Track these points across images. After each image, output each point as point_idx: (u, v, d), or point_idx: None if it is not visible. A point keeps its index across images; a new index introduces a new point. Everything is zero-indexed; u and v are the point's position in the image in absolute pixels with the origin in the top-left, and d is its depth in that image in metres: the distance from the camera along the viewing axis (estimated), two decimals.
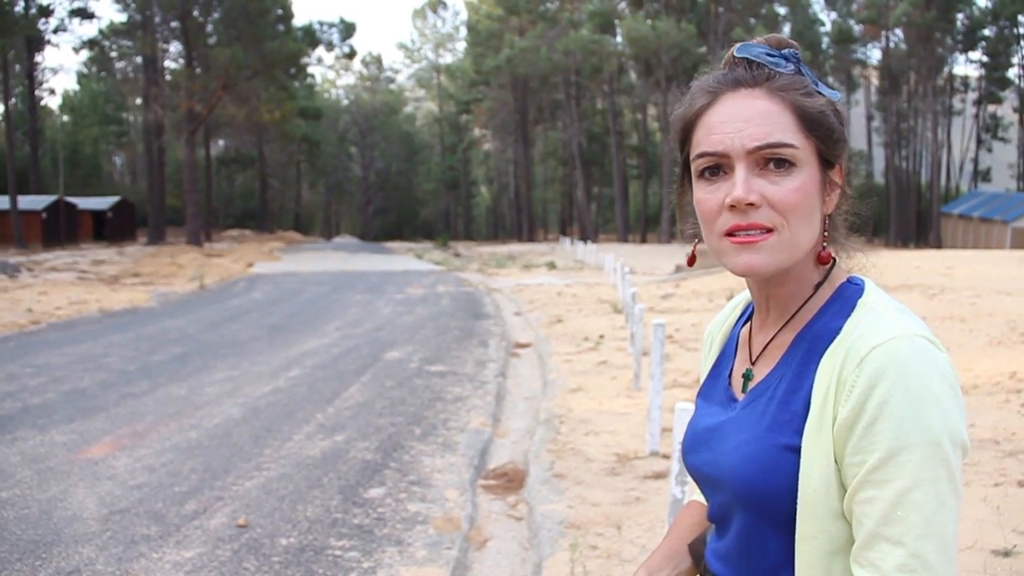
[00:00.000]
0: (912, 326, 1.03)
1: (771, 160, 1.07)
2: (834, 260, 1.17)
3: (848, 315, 1.09)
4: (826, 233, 1.14)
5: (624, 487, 5.36)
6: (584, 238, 48.12)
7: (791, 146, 1.06)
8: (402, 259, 36.38)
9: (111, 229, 47.71)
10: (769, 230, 1.06)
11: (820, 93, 1.11)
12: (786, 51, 1.12)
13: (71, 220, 44.43)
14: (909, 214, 57.36)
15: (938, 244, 49.44)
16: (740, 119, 1.08)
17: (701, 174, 1.11)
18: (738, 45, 1.13)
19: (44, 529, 4.77)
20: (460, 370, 9.86)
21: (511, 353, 11.26)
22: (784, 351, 1.14)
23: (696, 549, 1.31)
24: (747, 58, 1.12)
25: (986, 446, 5.77)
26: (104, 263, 29.35)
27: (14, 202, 37.68)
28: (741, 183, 1.06)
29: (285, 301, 17.86)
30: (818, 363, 1.07)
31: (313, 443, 6.62)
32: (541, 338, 12.26)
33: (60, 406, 7.84)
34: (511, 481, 5.79)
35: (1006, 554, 3.93)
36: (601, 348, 11.03)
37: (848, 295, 1.12)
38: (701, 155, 1.10)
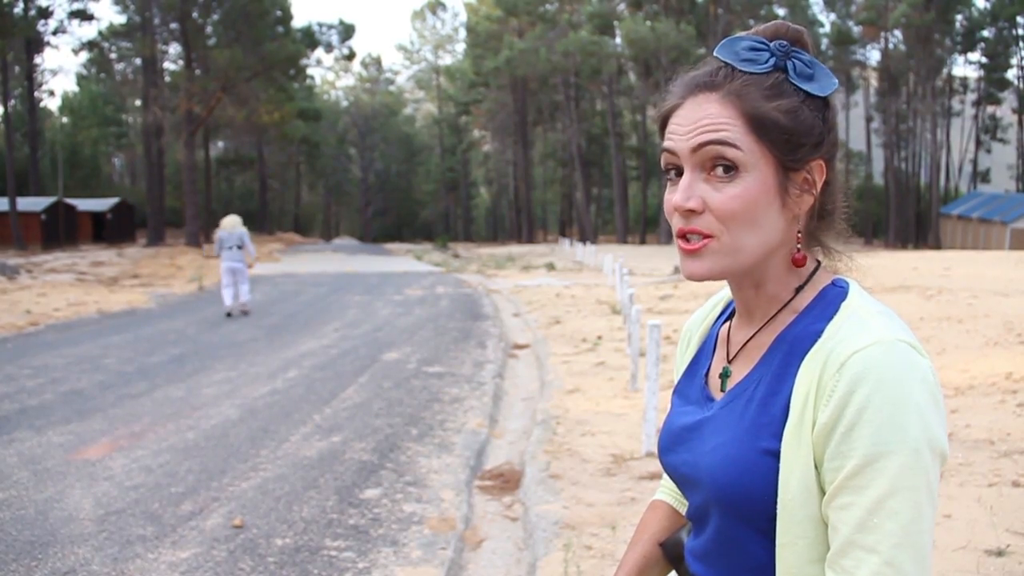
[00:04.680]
0: (894, 331, 1.02)
1: (718, 164, 1.06)
2: (818, 263, 1.15)
3: (830, 318, 1.07)
4: (799, 234, 1.12)
5: (619, 487, 5.37)
6: (583, 239, 48.11)
7: (733, 145, 1.05)
8: (401, 260, 36.40)
9: (110, 230, 47.70)
10: (709, 236, 1.07)
11: (800, 89, 1.09)
12: (775, 43, 1.10)
13: (70, 221, 44.45)
14: (908, 215, 57.44)
15: (937, 245, 49.49)
16: (690, 122, 1.08)
17: (668, 174, 1.12)
18: (724, 40, 1.12)
19: (40, 530, 4.78)
20: (458, 371, 9.87)
21: (509, 354, 11.27)
22: (764, 352, 1.13)
23: (671, 549, 1.31)
24: (718, 57, 1.11)
25: (981, 446, 5.78)
26: (103, 264, 29.36)
27: (13, 204, 37.69)
28: (682, 188, 1.07)
29: (284, 302, 17.86)
30: (798, 366, 1.06)
31: (310, 444, 6.63)
32: (539, 339, 12.26)
33: (58, 407, 7.85)
34: (507, 482, 5.80)
35: (999, 554, 3.94)
36: (599, 349, 11.04)
37: (831, 298, 1.11)
38: (662, 152, 1.12)
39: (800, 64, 1.09)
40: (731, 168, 1.06)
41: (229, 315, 15.03)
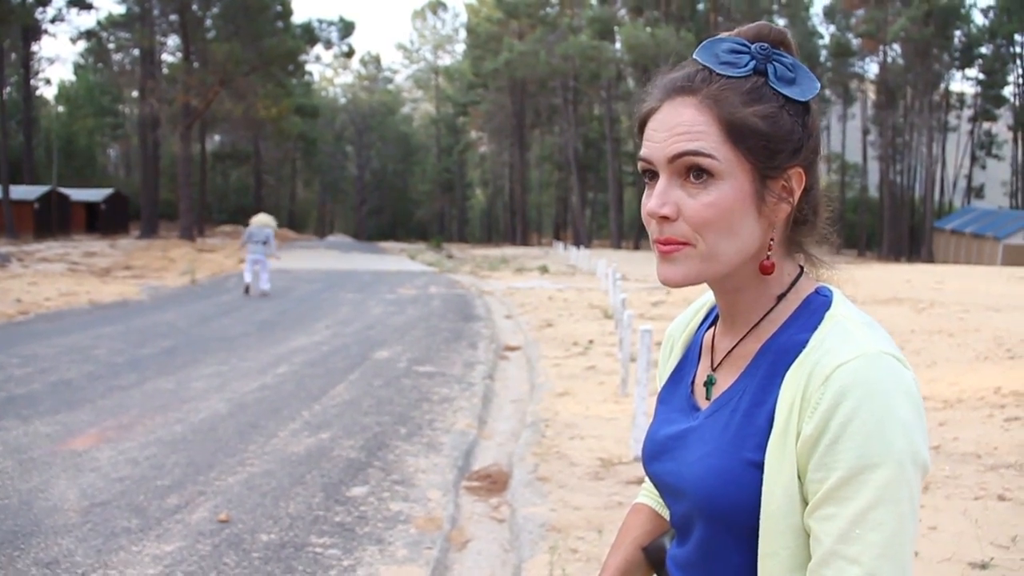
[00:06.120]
0: (879, 343, 1.01)
1: (692, 170, 1.05)
2: (801, 269, 1.14)
3: (814, 328, 1.06)
4: (771, 242, 1.09)
5: (607, 491, 5.36)
6: (577, 243, 48.13)
7: (708, 156, 1.04)
8: (395, 259, 36.36)
9: (104, 221, 47.56)
10: (684, 243, 1.06)
11: (780, 94, 1.07)
12: (756, 46, 1.08)
13: (64, 211, 44.33)
14: (902, 228, 57.59)
15: (930, 259, 49.61)
16: (666, 128, 1.07)
17: (644, 176, 1.11)
18: (705, 41, 1.10)
19: (24, 520, 4.76)
20: (448, 371, 9.86)
21: (500, 356, 11.26)
22: (749, 361, 1.12)
23: (653, 554, 1.30)
24: (697, 60, 1.09)
25: (968, 460, 5.79)
26: (96, 255, 29.26)
27: (6, 192, 37.58)
28: (657, 194, 1.06)
29: (276, 298, 17.84)
30: (783, 377, 1.05)
31: (298, 440, 6.61)
32: (530, 341, 12.26)
33: (45, 397, 7.81)
34: (494, 483, 5.80)
35: (983, 567, 3.95)
36: (590, 353, 11.04)
37: (815, 306, 1.10)
38: (639, 159, 1.11)
39: (781, 67, 1.07)
40: (705, 173, 1.04)
41: (247, 292, 17.95)
